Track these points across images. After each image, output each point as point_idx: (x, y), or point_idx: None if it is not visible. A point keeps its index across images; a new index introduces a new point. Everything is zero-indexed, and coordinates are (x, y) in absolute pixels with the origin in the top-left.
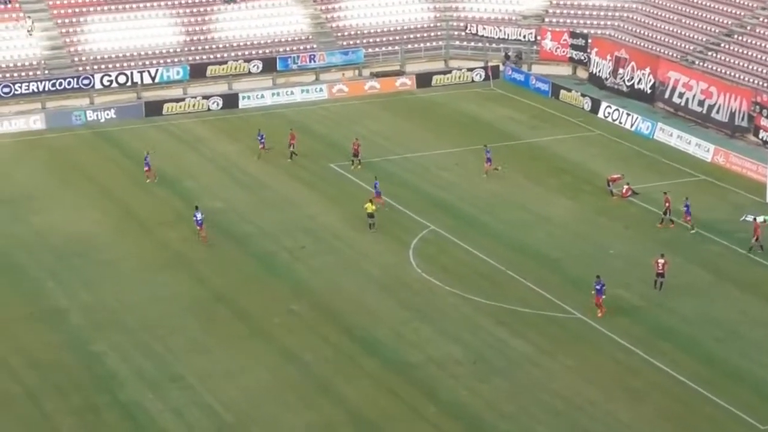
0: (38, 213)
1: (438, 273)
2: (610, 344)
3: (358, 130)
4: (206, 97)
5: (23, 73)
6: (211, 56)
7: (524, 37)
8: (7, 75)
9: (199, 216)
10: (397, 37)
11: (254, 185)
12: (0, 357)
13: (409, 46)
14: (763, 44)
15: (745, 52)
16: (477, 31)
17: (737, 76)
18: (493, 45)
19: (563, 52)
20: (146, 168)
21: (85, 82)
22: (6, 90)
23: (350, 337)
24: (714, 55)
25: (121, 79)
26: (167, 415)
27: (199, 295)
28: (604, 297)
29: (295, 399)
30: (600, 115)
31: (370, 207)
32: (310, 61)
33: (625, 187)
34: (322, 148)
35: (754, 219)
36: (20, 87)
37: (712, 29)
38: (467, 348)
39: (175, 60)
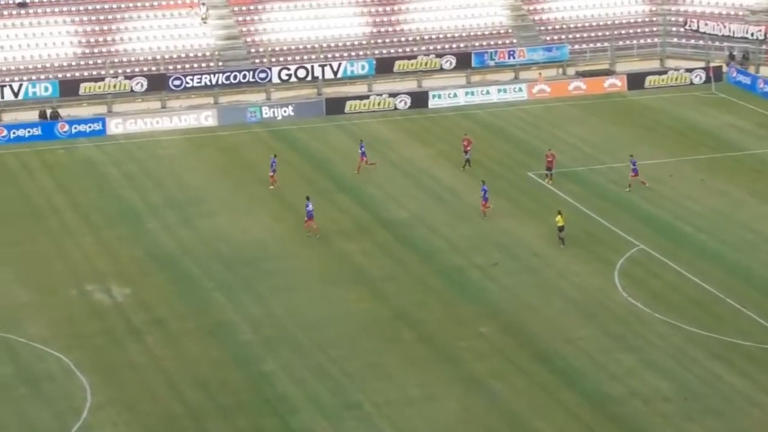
0: (207, 217)
1: (646, 298)
2: None
3: (559, 135)
4: (393, 95)
5: (195, 65)
6: (400, 50)
7: (752, 34)
8: (179, 67)
9: (310, 206)
10: (607, 33)
11: (444, 194)
12: (165, 373)
13: (621, 42)
14: None
15: None
16: (698, 27)
17: None
18: (716, 43)
19: None
20: (272, 173)
21: (262, 75)
22: (177, 83)
23: (545, 366)
24: None
25: (301, 73)
26: None
27: (379, 314)
28: None
29: None
30: None
31: (560, 220)
32: (508, 58)
33: None
34: (519, 154)
35: None
36: (192, 80)
37: None
38: (677, 383)
39: (360, 53)
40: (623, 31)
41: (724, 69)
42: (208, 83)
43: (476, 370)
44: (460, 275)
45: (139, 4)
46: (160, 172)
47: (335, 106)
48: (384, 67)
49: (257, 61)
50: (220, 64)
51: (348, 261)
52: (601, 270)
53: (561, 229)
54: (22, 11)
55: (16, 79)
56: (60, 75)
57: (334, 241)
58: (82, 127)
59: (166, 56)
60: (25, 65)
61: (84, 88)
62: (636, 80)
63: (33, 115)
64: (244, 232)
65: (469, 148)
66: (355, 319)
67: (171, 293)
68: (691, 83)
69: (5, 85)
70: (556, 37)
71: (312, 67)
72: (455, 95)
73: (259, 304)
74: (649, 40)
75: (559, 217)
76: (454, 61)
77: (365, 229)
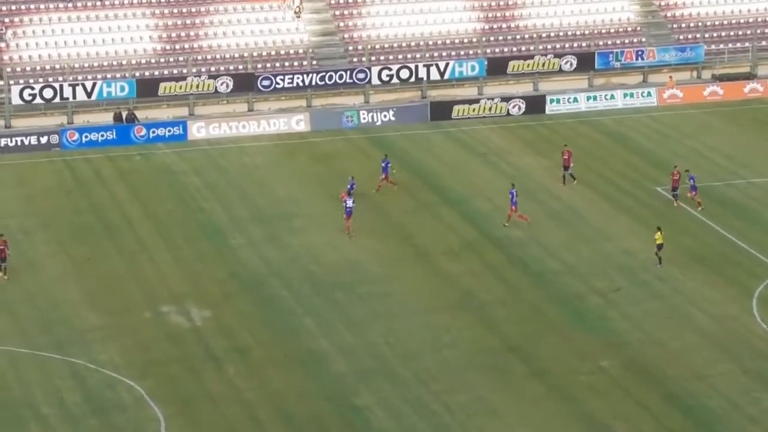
0: (297, 233)
1: None
2: None
3: (692, 146)
4: (506, 99)
5: (287, 64)
6: (514, 49)
7: None
8: (268, 65)
9: (350, 203)
10: (749, 32)
11: (562, 211)
12: (247, 405)
13: (764, 42)
14: None
15: None
16: None
17: None
18: None
19: None
20: (383, 177)
21: (360, 76)
22: (266, 83)
23: (674, 406)
24: None
25: (404, 73)
26: None
27: (488, 344)
28: None
29: None
30: None
31: (659, 237)
32: (636, 59)
33: None
34: (647, 167)
35: None
36: (282, 80)
37: None
38: None
39: (470, 52)
40: (767, 30)
41: None
42: (301, 84)
43: (595, 409)
44: (579, 302)
45: None
46: (245, 183)
47: (441, 110)
48: (496, 67)
49: (355, 60)
50: (314, 63)
51: (454, 284)
52: (737, 297)
53: (660, 247)
54: (98, 3)
55: (90, 77)
56: (137, 73)
57: (438, 262)
58: (160, 131)
59: (255, 54)
60: (99, 62)
61: (163, 88)
62: None
63: (107, 117)
64: (338, 251)
65: (570, 161)
66: (461, 349)
67: (256, 318)
68: None
69: (77, 84)
70: (690, 36)
71: (416, 67)
72: (575, 100)
73: (354, 332)
74: None
75: (658, 234)
76: (574, 61)
77: (473, 248)
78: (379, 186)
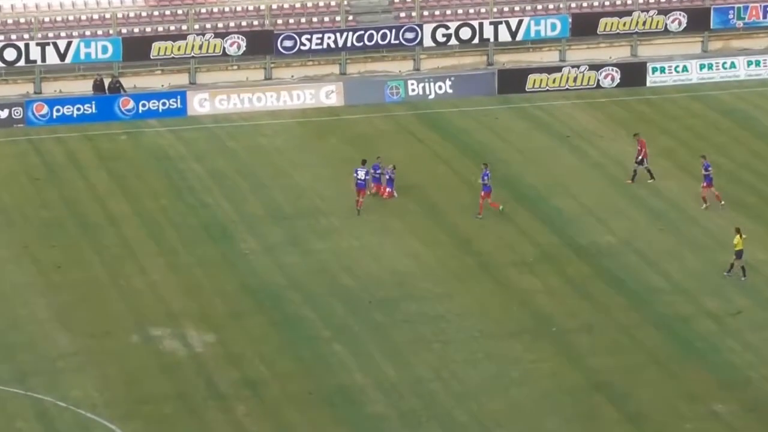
0: (325, 236)
1: None
2: None
3: None
4: (595, 67)
5: (314, 20)
6: (606, 3)
7: None
8: (291, 21)
9: (360, 174)
10: None
11: (667, 210)
12: None
13: None
14: None
15: None
16: None
17: None
18: None
19: None
20: (375, 186)
21: (409, 36)
22: (288, 44)
23: None
24: None
25: (464, 33)
26: None
27: (569, 380)
28: None
29: None
30: None
31: (739, 243)
32: (764, 17)
33: None
34: None
35: None
36: (309, 40)
37: None
38: None
39: (550, 6)
40: None
41: None
42: (332, 45)
43: None
44: (686, 328)
45: None
46: (260, 171)
47: (512, 81)
48: (583, 26)
49: (402, 15)
50: (350, 18)
51: (527, 303)
52: None
53: (739, 254)
54: None
55: (63, 34)
56: (124, 30)
57: (507, 275)
58: (152, 105)
59: (274, 6)
60: (75, 15)
61: (157, 49)
62: None
63: (86, 86)
64: (377, 260)
65: (644, 153)
66: (535, 387)
67: (272, 344)
68: None
69: (47, 43)
70: None
71: (480, 24)
72: (685, 69)
73: (397, 362)
74: None
75: (737, 238)
76: (684, 19)
77: (552, 258)
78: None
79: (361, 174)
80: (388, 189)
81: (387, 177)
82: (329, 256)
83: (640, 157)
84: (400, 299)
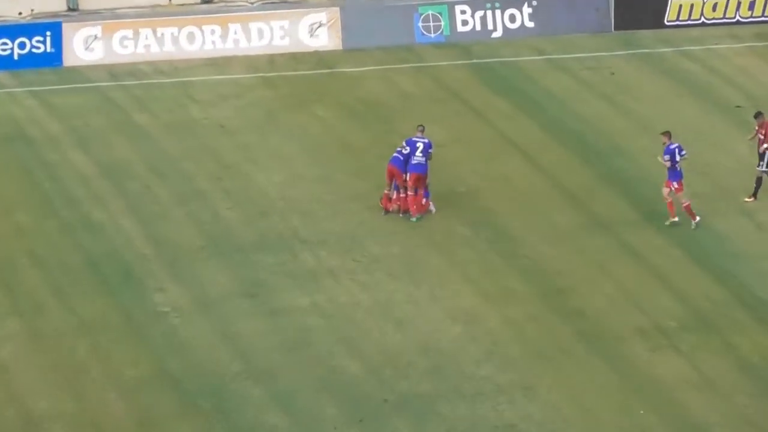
0: (308, 283)
1: None
2: None
3: None
4: None
5: None
6: None
7: None
8: None
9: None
10: None
11: None
12: None
13: None
14: None
15: None
16: None
17: None
18: None
19: None
20: (396, 196)
21: None
22: None
23: None
24: None
25: None
26: None
27: None
28: None
29: None
30: None
31: None
32: None
33: None
34: None
35: None
36: None
37: None
38: None
39: None
40: None
41: None
42: None
43: None
44: None
45: None
46: (192, 165)
47: (640, 9)
48: None
49: None
50: None
51: (664, 405)
52: None
53: None
54: None
55: None
56: None
57: (626, 351)
58: (1, 47)
59: None
60: None
61: None
62: None
63: None
64: (401, 327)
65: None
66: None
67: None
68: None
69: None
70: None
71: None
72: None
73: None
74: None
75: None
76: None
77: (710, 324)
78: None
79: (420, 156)
80: (422, 199)
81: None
82: (316, 321)
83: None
84: (437, 398)
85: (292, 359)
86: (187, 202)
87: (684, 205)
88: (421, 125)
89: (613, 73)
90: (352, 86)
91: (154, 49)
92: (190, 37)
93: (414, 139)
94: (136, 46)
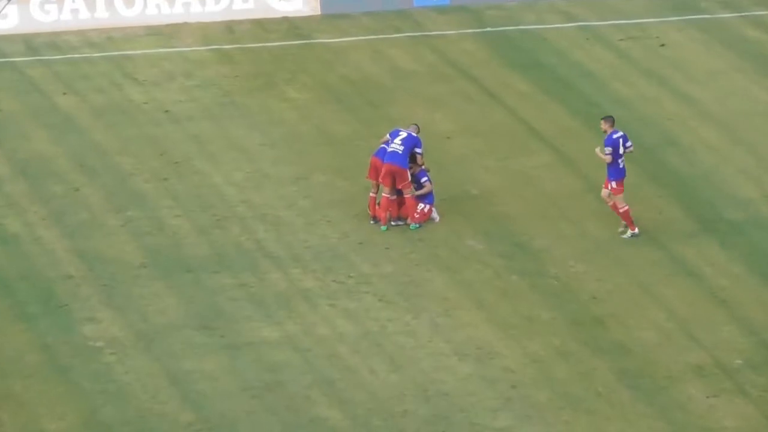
0: (279, 310)
1: None
2: None
3: None
4: None
5: None
6: None
7: None
8: None
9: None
10: None
11: None
12: None
13: None
14: None
15: None
16: None
17: None
18: None
19: None
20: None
21: None
22: None
23: None
24: None
25: None
26: None
27: None
28: None
29: None
30: None
31: None
32: None
33: None
34: None
35: None
36: None
37: None
38: None
39: None
40: None
41: None
42: None
43: None
44: None
45: None
46: (131, 160)
47: None
48: None
49: None
50: None
51: None
52: None
53: None
54: None
55: None
56: None
57: (680, 389)
58: None
59: None
60: None
61: None
62: None
63: None
64: (395, 366)
65: None
66: None
67: None
68: None
69: None
70: None
71: None
72: None
73: None
74: None
75: None
76: None
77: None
78: (381, 214)
79: (398, 144)
80: (422, 204)
81: (420, 179)
82: (287, 358)
83: None
84: None
85: (258, 407)
86: (124, 208)
87: (621, 210)
88: (415, 124)
89: (662, 45)
90: (333, 61)
91: (83, 14)
92: (129, 3)
93: (400, 130)
94: (60, 11)
